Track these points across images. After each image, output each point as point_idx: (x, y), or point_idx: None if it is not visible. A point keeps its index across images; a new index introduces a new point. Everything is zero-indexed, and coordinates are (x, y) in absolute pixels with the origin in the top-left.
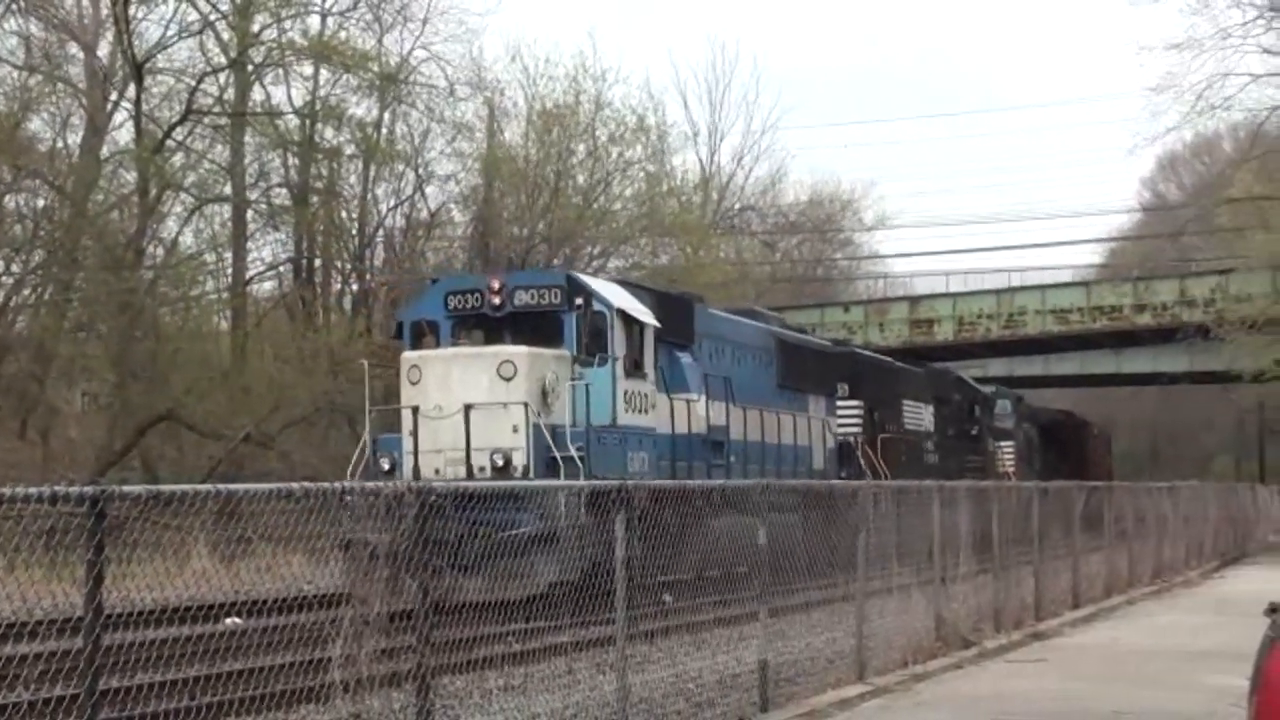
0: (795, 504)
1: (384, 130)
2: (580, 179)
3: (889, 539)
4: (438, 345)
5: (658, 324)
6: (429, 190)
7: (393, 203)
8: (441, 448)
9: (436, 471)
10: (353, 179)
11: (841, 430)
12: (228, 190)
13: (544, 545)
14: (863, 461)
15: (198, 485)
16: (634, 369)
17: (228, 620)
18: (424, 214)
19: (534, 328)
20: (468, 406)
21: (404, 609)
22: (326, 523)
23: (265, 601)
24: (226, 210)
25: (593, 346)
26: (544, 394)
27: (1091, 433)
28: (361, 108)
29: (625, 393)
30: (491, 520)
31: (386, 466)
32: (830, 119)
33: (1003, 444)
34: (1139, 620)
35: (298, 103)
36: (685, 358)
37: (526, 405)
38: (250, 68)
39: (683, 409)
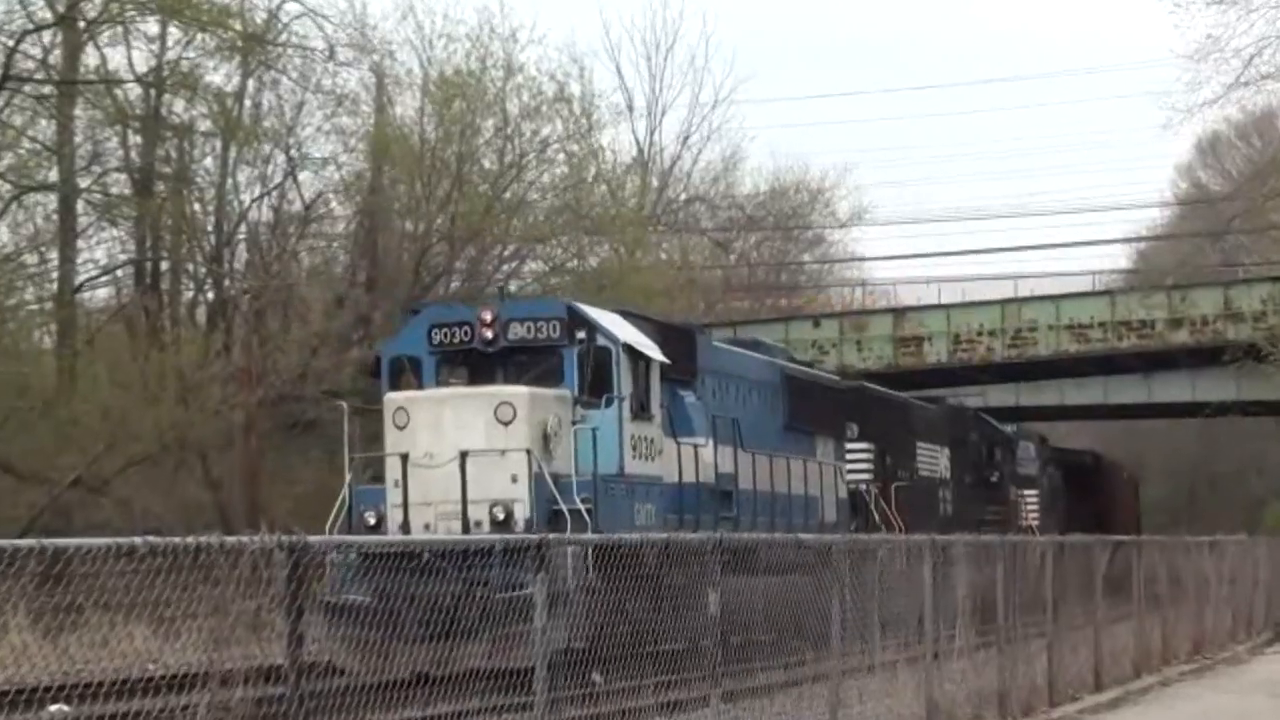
0: (754, 564)
1: (247, 103)
2: (488, 163)
3: (871, 605)
4: (419, 384)
5: (666, 360)
6: (303, 177)
7: (258, 191)
8: (432, 500)
9: (427, 526)
10: (208, 162)
11: (851, 477)
12: (53, 176)
13: (550, 607)
14: (875, 513)
15: (15, 540)
16: (640, 411)
17: (52, 708)
18: (297, 205)
19: (530, 365)
20: (463, 454)
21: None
22: (178, 586)
23: (100, 684)
24: (52, 200)
25: (596, 386)
26: (545, 439)
27: (1120, 476)
28: (220, 75)
29: (632, 437)
30: (491, 580)
31: (372, 521)
32: (797, 90)
33: (1026, 493)
34: (1175, 705)
35: (140, 69)
36: (689, 397)
37: (529, 452)
38: (82, 25)
39: (690, 455)
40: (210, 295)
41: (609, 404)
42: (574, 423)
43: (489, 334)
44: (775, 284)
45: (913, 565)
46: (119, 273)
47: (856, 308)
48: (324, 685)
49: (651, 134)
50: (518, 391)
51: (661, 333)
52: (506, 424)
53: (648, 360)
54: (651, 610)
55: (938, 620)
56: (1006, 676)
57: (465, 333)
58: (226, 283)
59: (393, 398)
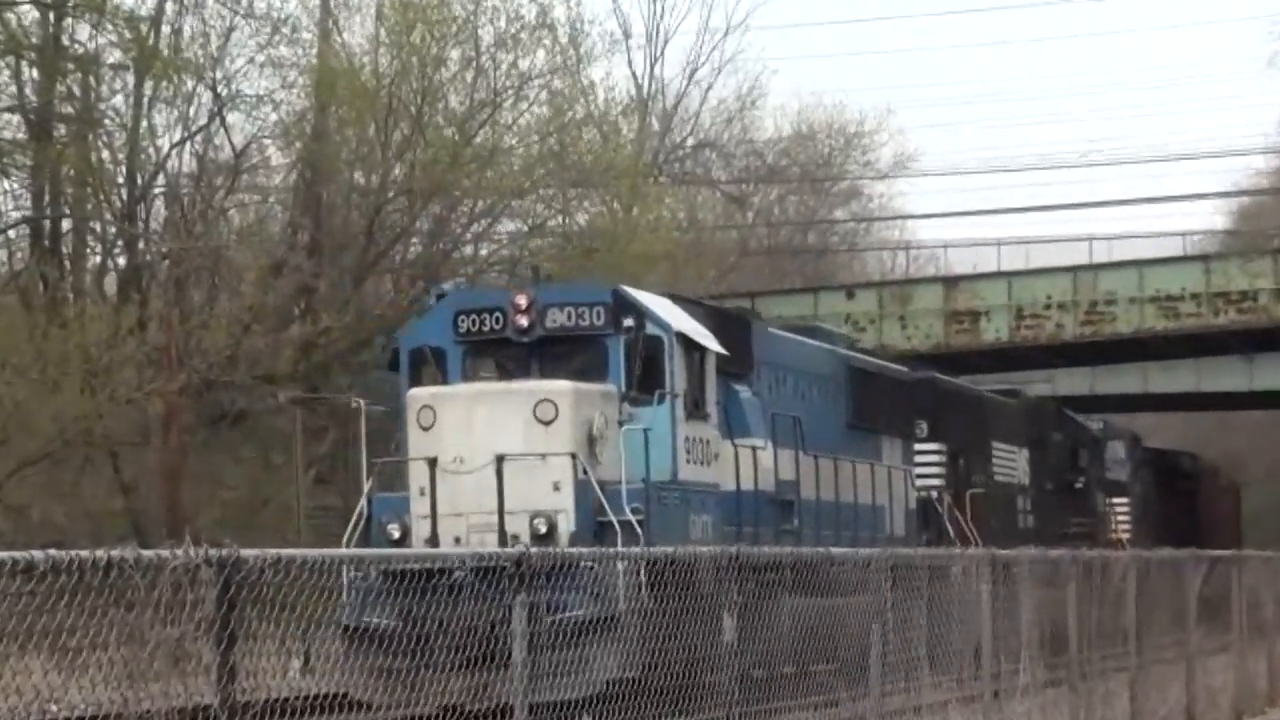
0: (779, 582)
1: (166, 29)
2: (455, 101)
3: (917, 633)
4: (444, 379)
5: (723, 351)
6: (232, 118)
7: (179, 136)
8: (462, 510)
9: (458, 539)
10: (119, 101)
11: (920, 483)
12: None
13: (602, 632)
14: (950, 526)
15: None
16: (694, 409)
17: None
18: (225, 153)
19: (570, 357)
20: (500, 458)
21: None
22: (85, 610)
23: None
24: None
25: (646, 380)
26: (591, 441)
27: (1218, 481)
28: None
29: (686, 439)
30: (534, 602)
31: (396, 534)
32: (828, 14)
33: (1115, 501)
34: None
35: None
36: (744, 392)
37: (574, 457)
38: None
39: (747, 459)
40: (122, 260)
41: (661, 401)
42: (621, 422)
43: (524, 321)
44: (801, 247)
45: (969, 586)
46: (12, 233)
47: (899, 276)
48: None
49: (652, 67)
50: (560, 387)
51: (713, 319)
52: (547, 424)
53: (703, 351)
54: (705, 636)
55: (998, 652)
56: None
57: (497, 320)
58: (141, 245)
59: (417, 394)
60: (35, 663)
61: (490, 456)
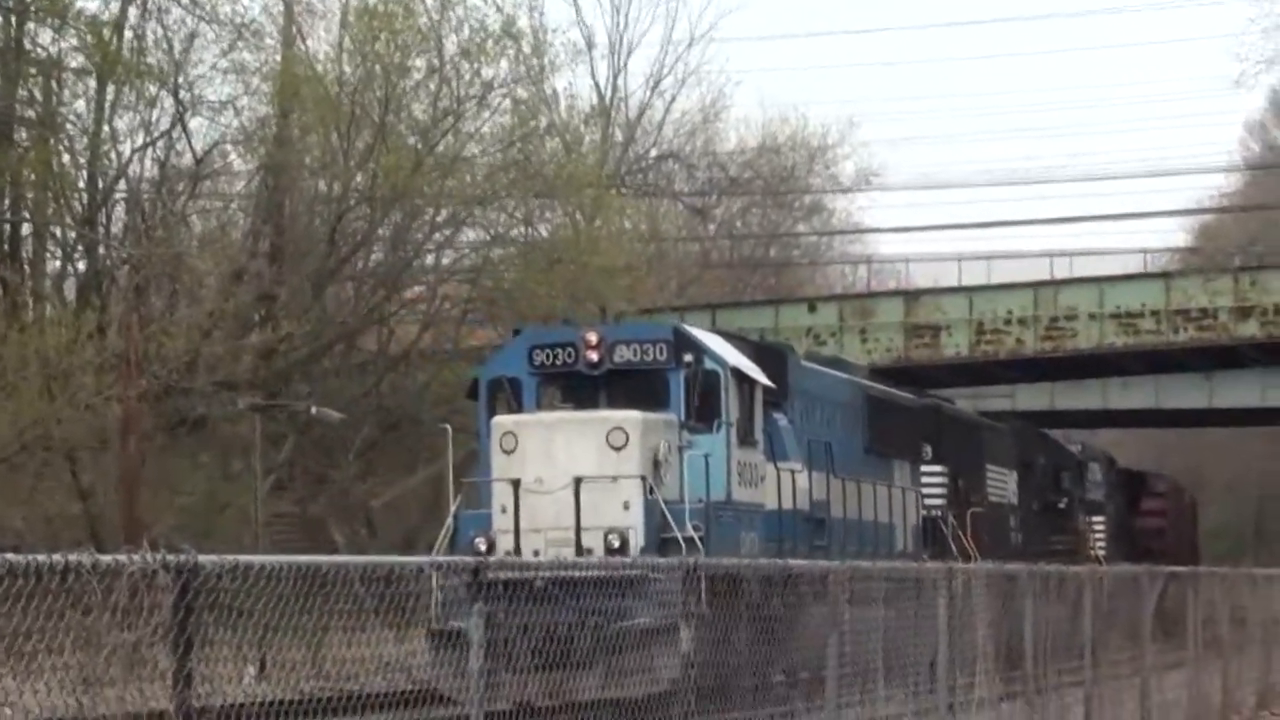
0: (731, 594)
1: (128, 34)
2: (418, 110)
3: (873, 646)
4: (519, 408)
5: (770, 384)
6: (194, 124)
7: (140, 141)
8: (541, 526)
9: (536, 553)
10: (80, 105)
11: (926, 502)
12: None
13: (665, 638)
14: (952, 543)
15: None
16: (745, 436)
17: None
18: (187, 158)
19: (634, 388)
20: (578, 480)
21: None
22: (41, 614)
23: None
24: None
25: (703, 410)
26: (656, 465)
27: (1181, 499)
28: (94, 0)
29: (738, 464)
30: (602, 609)
31: (484, 548)
32: (793, 26)
33: (1094, 520)
34: None
35: None
36: (782, 420)
37: (644, 479)
38: None
39: (787, 481)
40: (82, 266)
41: (717, 429)
42: (681, 448)
43: (594, 356)
44: (763, 260)
45: (925, 599)
46: None
47: (860, 290)
48: None
49: (615, 77)
50: (631, 416)
51: (754, 352)
52: (618, 449)
53: (753, 384)
54: (757, 642)
55: (953, 665)
56: None
57: (569, 354)
58: (102, 250)
59: (501, 421)
60: None
61: (568, 478)
